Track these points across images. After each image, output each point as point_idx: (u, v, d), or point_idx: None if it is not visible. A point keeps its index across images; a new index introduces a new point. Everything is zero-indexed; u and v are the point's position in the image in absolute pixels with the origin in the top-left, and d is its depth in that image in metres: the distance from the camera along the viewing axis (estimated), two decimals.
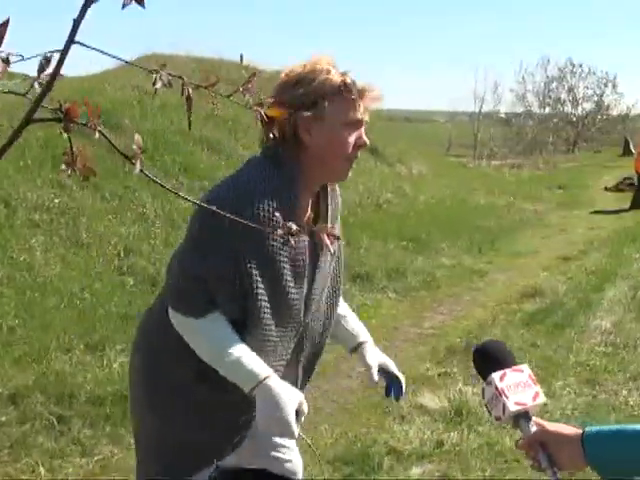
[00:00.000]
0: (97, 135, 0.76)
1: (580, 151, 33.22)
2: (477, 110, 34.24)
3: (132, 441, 2.09)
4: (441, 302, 6.56)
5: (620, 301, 6.45)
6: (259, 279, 1.63)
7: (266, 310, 1.66)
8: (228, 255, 1.60)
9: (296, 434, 1.58)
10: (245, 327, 1.65)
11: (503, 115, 38.48)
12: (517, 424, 1.29)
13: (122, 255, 5.97)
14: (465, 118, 37.08)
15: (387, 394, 1.95)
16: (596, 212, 14.00)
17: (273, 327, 1.69)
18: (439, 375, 4.44)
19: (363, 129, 1.72)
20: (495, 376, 1.28)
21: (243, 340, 1.63)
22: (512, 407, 1.25)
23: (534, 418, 1.29)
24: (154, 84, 0.79)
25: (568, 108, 37.76)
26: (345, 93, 1.65)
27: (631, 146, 24.41)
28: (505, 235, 10.45)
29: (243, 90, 0.88)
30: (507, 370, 1.29)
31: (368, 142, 1.72)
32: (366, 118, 1.72)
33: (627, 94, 70.21)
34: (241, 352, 1.59)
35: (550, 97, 37.90)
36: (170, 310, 1.66)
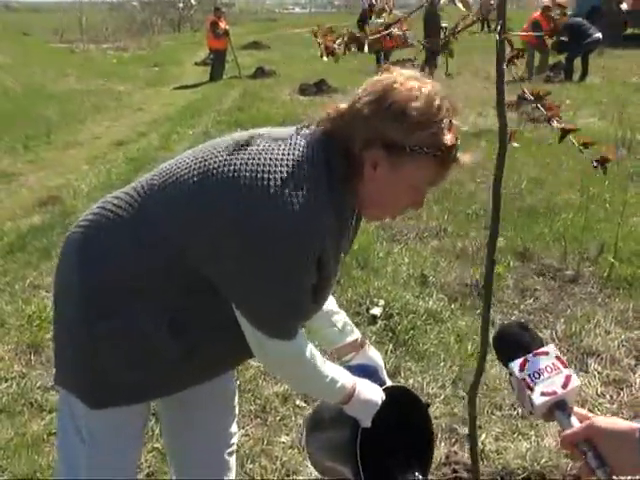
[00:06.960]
0: None
1: (183, 32, 34.24)
2: None
3: None
4: None
5: None
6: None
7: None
8: None
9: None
10: None
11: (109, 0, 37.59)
12: (553, 417, 1.07)
13: None
14: (74, 5, 34.95)
15: None
16: (180, 87, 14.19)
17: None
18: None
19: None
20: (514, 365, 1.08)
21: None
22: (538, 399, 1.05)
23: (575, 409, 1.07)
24: None
25: None
26: (446, 160, 1.34)
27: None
28: (70, 122, 9.97)
29: None
30: (528, 356, 1.09)
31: (423, 205, 1.45)
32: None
33: None
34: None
35: None
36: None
